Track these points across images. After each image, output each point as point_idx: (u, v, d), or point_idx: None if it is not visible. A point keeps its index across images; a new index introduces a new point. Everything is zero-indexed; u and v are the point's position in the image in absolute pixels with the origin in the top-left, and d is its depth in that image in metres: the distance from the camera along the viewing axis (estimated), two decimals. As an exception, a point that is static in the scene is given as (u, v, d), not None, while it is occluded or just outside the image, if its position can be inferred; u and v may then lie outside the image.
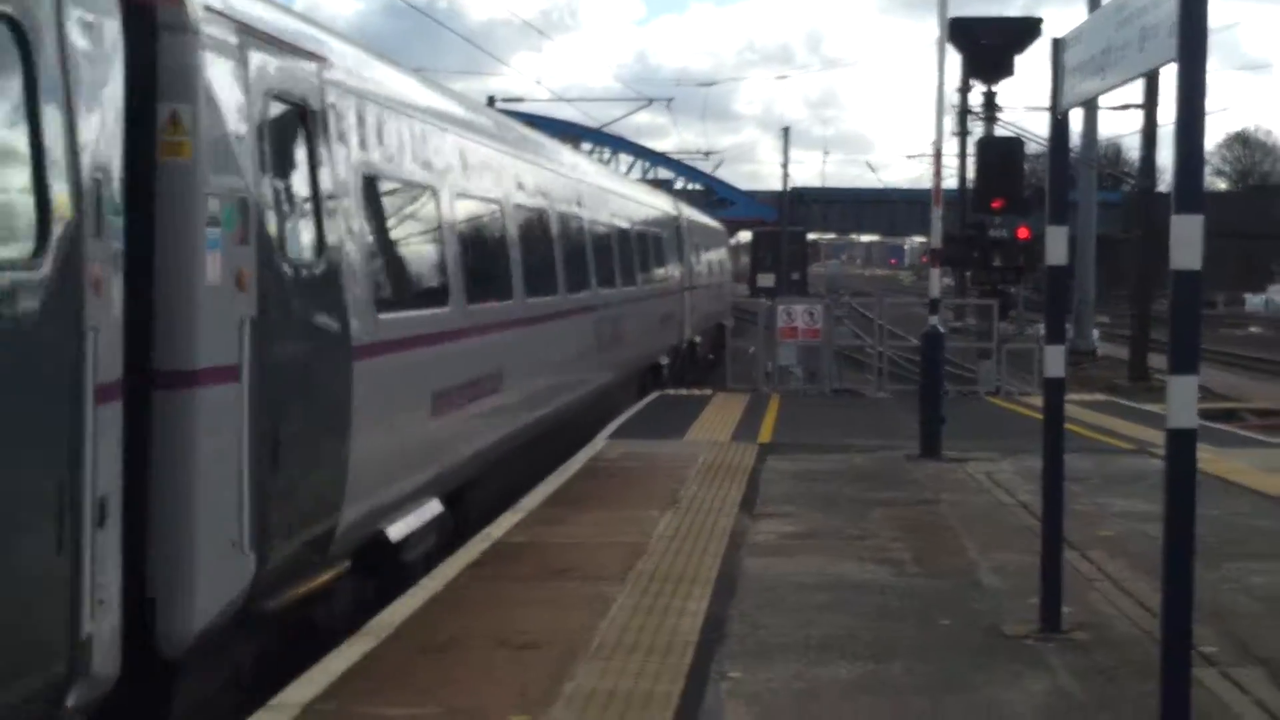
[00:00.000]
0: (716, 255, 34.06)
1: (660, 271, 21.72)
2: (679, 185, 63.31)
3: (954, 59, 27.93)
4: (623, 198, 18.41)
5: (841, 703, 5.64)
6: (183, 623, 5.40)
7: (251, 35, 6.06)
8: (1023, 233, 22.24)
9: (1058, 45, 6.45)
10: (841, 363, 22.67)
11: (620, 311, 16.39)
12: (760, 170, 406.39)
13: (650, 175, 63.34)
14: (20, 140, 4.37)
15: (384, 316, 7.39)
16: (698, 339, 26.88)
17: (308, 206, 6.70)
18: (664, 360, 21.58)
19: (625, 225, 17.77)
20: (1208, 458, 9.74)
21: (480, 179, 10.31)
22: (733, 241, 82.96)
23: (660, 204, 24.39)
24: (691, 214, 29.69)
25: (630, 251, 18.08)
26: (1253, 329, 53.55)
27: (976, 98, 31.49)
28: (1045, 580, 6.74)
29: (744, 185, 79.72)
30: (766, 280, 51.47)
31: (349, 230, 7.06)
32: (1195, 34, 4.44)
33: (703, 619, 6.87)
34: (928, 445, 13.03)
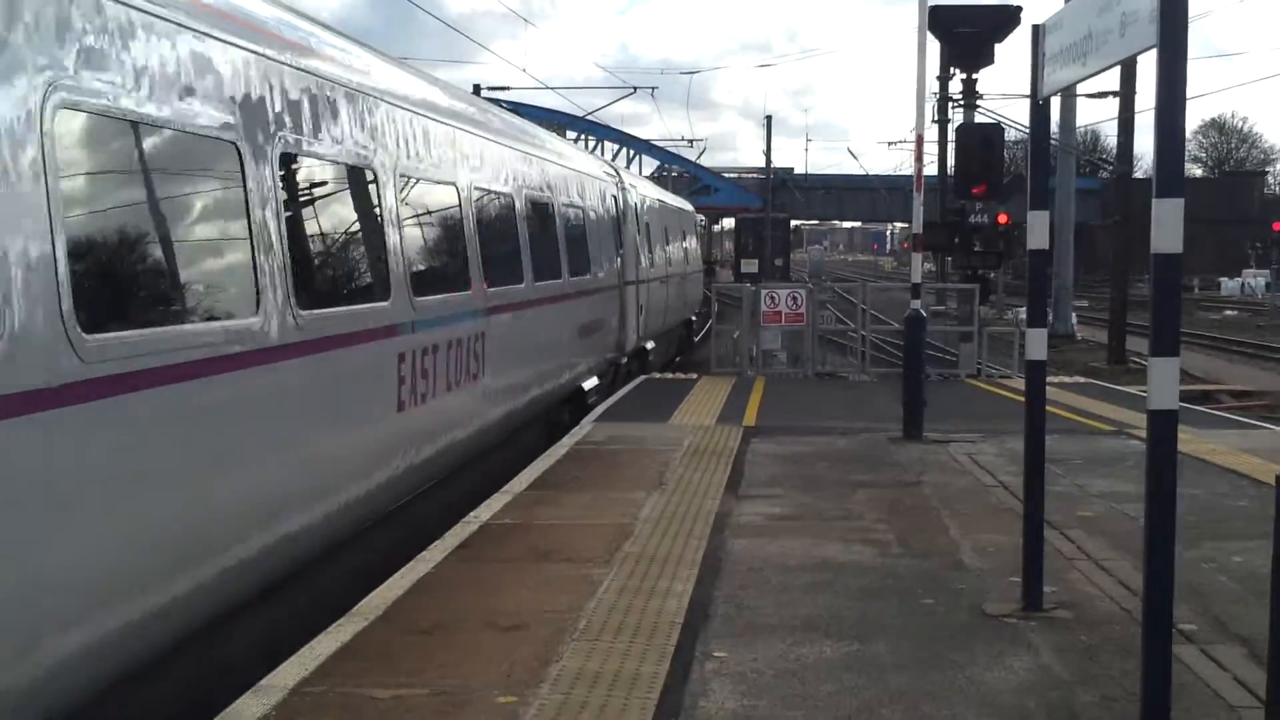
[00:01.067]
0: (681, 240, 28.49)
1: (585, 261, 15.92)
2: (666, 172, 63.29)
3: (933, 46, 28.04)
4: (495, 144, 11.89)
5: (825, 681, 5.70)
6: None
7: None
8: (1002, 218, 22.34)
9: (1038, 32, 6.46)
10: (825, 346, 22.78)
11: (484, 326, 10.55)
12: (740, 158, 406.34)
13: (635, 163, 63.30)
14: None
15: None
16: (649, 345, 21.74)
17: None
18: (589, 384, 16.14)
19: (504, 190, 11.99)
20: (1186, 438, 9.84)
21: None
22: (717, 228, 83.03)
23: (588, 168, 17.91)
24: (641, 186, 23.77)
25: (514, 232, 12.24)
26: (1228, 312, 53.87)
27: (955, 85, 31.70)
28: (1027, 560, 6.82)
29: (727, 173, 79.67)
30: (750, 266, 51.51)
31: None
32: (1176, 20, 4.48)
33: (688, 600, 6.93)
34: (910, 427, 13.14)
